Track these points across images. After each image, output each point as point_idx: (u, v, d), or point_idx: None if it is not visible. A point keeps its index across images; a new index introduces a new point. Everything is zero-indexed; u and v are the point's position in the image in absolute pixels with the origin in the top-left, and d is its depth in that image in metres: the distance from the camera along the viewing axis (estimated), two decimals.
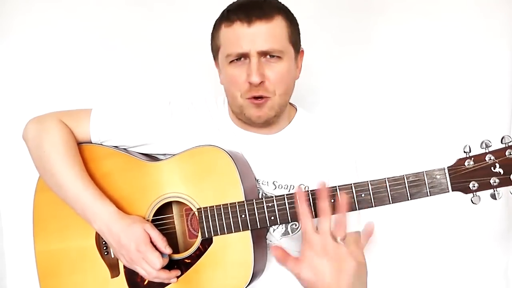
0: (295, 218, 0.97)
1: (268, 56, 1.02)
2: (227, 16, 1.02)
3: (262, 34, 0.99)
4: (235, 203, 1.00)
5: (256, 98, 1.03)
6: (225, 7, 1.07)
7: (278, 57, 1.02)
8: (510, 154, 0.88)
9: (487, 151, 0.90)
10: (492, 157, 0.89)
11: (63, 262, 1.11)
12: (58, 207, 1.11)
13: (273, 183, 1.10)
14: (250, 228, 0.99)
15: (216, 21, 1.08)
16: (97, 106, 1.14)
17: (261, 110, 1.05)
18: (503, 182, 0.89)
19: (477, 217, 1.50)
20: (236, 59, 1.03)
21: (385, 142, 1.54)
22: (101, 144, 1.13)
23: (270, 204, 0.98)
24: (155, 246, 0.99)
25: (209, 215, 1.01)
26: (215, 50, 1.09)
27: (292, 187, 1.10)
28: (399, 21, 1.50)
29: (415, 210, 1.49)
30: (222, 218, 1.00)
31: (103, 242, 1.09)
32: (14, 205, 1.58)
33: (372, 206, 0.93)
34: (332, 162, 1.13)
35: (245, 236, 1.00)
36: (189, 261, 1.04)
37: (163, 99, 1.18)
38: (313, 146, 1.13)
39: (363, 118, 1.54)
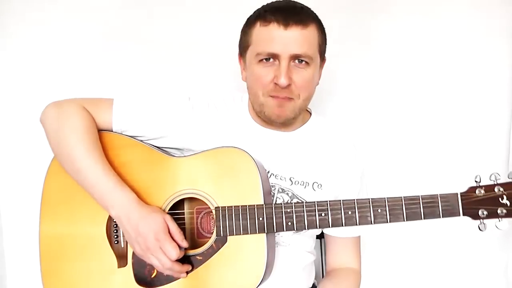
0: (311, 226, 1.01)
1: (297, 61, 1.06)
2: (264, 16, 1.05)
3: (297, 38, 1.03)
4: (254, 205, 1.02)
5: (278, 97, 1.07)
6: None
7: (306, 63, 1.06)
8: None
9: (496, 182, 0.97)
10: (501, 189, 0.96)
11: (69, 247, 1.10)
12: (69, 192, 1.10)
13: (290, 179, 1.14)
14: (266, 232, 1.02)
15: (250, 18, 1.10)
16: (119, 95, 1.16)
17: (282, 109, 1.08)
18: (510, 214, 0.96)
19: None
20: (265, 59, 1.06)
21: (383, 140, 1.56)
22: (121, 134, 1.14)
23: (288, 210, 1.01)
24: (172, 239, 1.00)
25: (227, 215, 1.03)
26: (244, 46, 1.11)
27: (307, 184, 1.14)
28: (400, 20, 1.53)
29: None
30: (239, 218, 1.03)
31: (115, 231, 1.09)
32: (14, 205, 1.55)
33: (387, 222, 0.98)
34: (342, 166, 1.18)
35: (260, 239, 1.02)
36: (201, 258, 1.05)
37: (182, 94, 1.19)
38: (327, 148, 1.18)
39: (362, 117, 1.57)
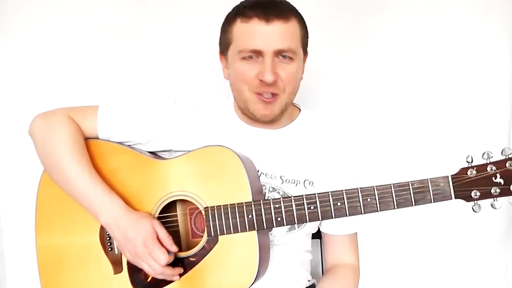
0: (301, 220, 0.99)
1: (281, 56, 1.03)
2: (243, 12, 1.03)
3: (279, 33, 1.01)
4: (242, 203, 1.01)
5: (262, 95, 1.05)
6: (229, 6, 1.09)
7: (290, 58, 1.04)
8: (511, 165, 0.92)
9: (488, 161, 0.93)
10: (494, 168, 0.93)
11: (65, 257, 1.11)
12: (62, 202, 1.11)
13: (281, 177, 1.13)
14: (256, 229, 1.01)
15: (228, 15, 1.08)
16: (104, 102, 1.15)
17: (268, 108, 1.07)
18: (504, 192, 0.93)
19: (478, 217, 1.46)
20: (248, 56, 1.03)
21: (383, 141, 1.55)
22: (108, 140, 1.13)
23: (277, 206, 1.00)
24: (161, 244, 1.00)
25: (216, 214, 1.03)
26: (225, 44, 1.09)
27: (298, 182, 1.13)
28: (399, 20, 1.51)
29: (415, 210, 1.49)
30: (228, 217, 1.02)
31: (108, 238, 1.09)
32: (14, 205, 1.56)
33: (377, 211, 0.96)
34: (334, 161, 1.16)
35: (251, 236, 1.01)
36: (194, 259, 1.05)
37: (168, 97, 1.19)
38: (317, 144, 1.16)
39: (362, 119, 1.55)
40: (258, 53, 1.02)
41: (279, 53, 1.03)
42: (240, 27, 1.04)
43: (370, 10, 1.51)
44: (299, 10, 1.08)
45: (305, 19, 1.09)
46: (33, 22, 1.54)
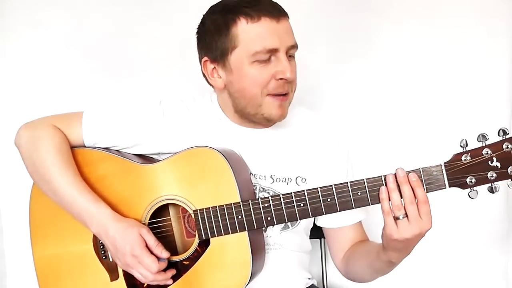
0: (292, 218, 0.97)
1: (287, 54, 1.01)
2: (246, 12, 0.97)
3: (288, 29, 1.01)
4: (231, 204, 0.99)
5: (280, 95, 1.02)
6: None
7: (292, 55, 1.03)
8: (508, 147, 0.87)
9: (484, 144, 0.88)
10: (489, 151, 0.88)
11: (63, 267, 1.11)
12: (54, 212, 1.10)
13: (271, 176, 1.09)
14: (247, 229, 0.99)
15: (217, 21, 1.01)
16: (88, 108, 1.13)
17: (283, 109, 1.04)
18: (501, 176, 0.88)
19: (477, 218, 1.50)
20: (263, 59, 0.99)
21: (385, 140, 1.53)
22: (94, 146, 1.12)
23: (266, 205, 0.97)
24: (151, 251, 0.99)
25: (205, 217, 1.01)
26: (223, 49, 1.01)
27: (289, 180, 1.10)
28: (399, 20, 1.50)
29: None
30: (218, 219, 1.00)
31: (101, 246, 1.09)
32: (14, 205, 1.58)
33: (369, 204, 0.92)
34: (325, 153, 1.12)
35: (242, 237, 0.99)
36: (188, 262, 1.04)
37: (153, 98, 1.16)
38: (307, 138, 1.12)
39: (362, 117, 1.53)
40: (273, 52, 0.99)
41: (288, 50, 1.00)
42: (248, 28, 0.98)
43: (370, 10, 1.49)
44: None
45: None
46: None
